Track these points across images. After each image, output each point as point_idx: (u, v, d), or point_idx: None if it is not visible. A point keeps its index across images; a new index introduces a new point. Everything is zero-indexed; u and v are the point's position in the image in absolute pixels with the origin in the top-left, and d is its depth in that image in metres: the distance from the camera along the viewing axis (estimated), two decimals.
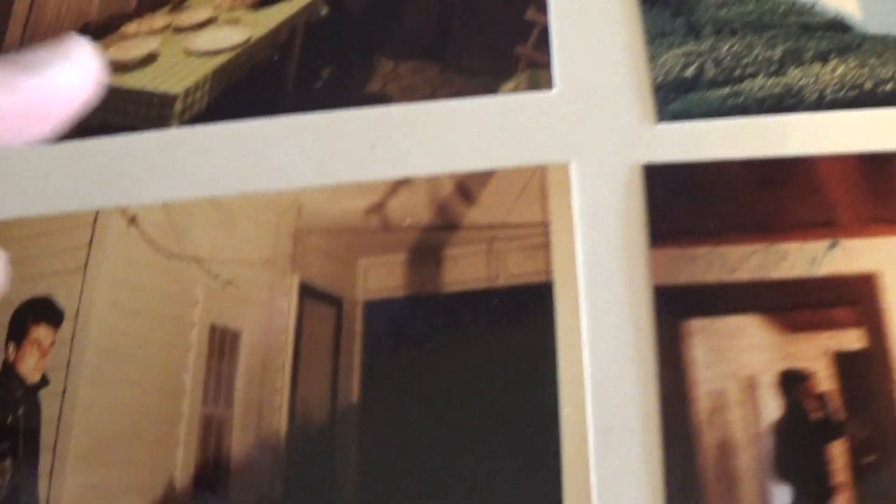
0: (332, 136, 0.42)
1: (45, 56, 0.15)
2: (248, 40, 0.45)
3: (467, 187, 0.41)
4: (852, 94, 0.41)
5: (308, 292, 0.41)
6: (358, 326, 0.40)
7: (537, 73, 0.41)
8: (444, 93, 0.41)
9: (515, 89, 0.41)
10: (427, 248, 0.41)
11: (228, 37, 0.46)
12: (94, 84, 0.15)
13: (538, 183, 0.40)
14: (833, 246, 0.40)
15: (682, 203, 0.40)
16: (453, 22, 0.42)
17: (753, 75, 0.41)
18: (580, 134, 0.41)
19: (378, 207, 0.41)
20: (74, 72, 0.15)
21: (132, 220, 0.44)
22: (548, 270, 0.38)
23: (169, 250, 0.43)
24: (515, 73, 0.41)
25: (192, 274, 0.42)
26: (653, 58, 0.41)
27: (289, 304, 0.41)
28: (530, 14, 0.42)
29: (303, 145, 0.42)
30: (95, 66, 0.15)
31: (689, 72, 0.41)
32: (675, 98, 0.41)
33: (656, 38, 0.41)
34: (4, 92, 0.14)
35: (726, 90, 0.41)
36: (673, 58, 0.41)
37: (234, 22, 0.46)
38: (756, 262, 0.39)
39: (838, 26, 0.42)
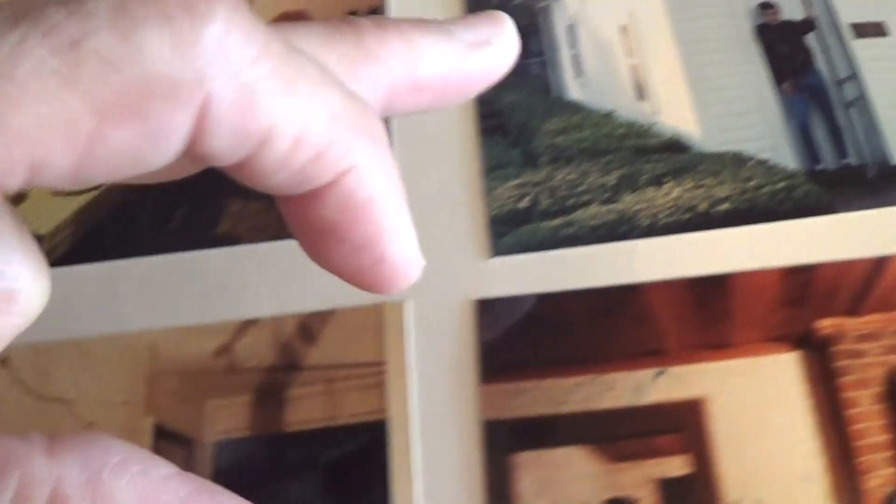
0: (184, 277, 0.45)
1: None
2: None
3: (309, 327, 0.44)
4: (686, 216, 0.43)
5: (161, 434, 0.43)
6: (207, 467, 0.42)
7: None
8: (289, 233, 0.43)
9: None
10: (270, 389, 0.43)
11: None
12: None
13: (375, 322, 0.43)
14: (660, 374, 0.41)
15: (512, 337, 0.42)
16: None
17: (587, 203, 0.43)
18: None
19: (225, 349, 0.44)
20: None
21: (4, 362, 0.47)
22: (382, 409, 0.41)
23: (37, 391, 0.46)
24: None
25: (58, 415, 0.45)
26: (489, 191, 0.44)
27: (143, 446, 0.43)
28: None
29: (157, 286, 0.45)
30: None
31: (524, 203, 0.43)
32: (508, 231, 0.43)
33: (493, 169, 0.44)
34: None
35: (559, 220, 0.43)
36: (508, 190, 0.44)
37: None
38: (583, 393, 0.41)
39: (676, 146, 0.45)
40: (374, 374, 0.41)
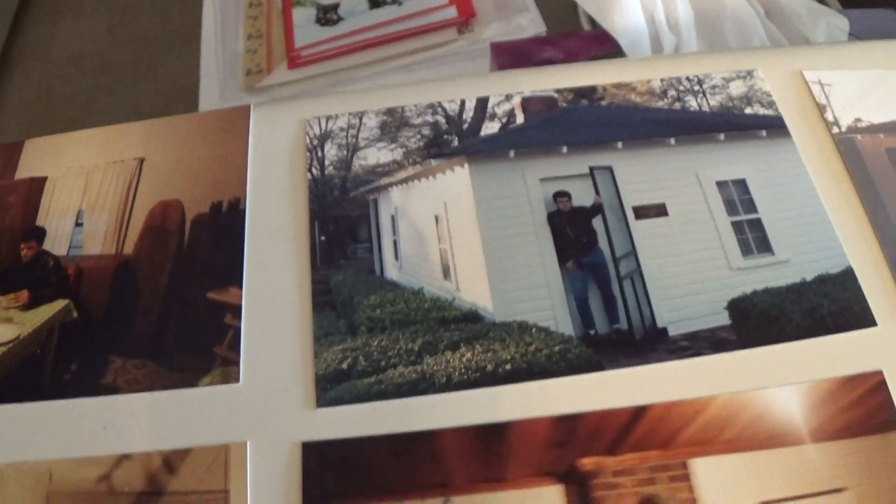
0: (76, 418, 0.77)
1: None
2: (19, 336, 0.82)
3: (171, 461, 0.74)
4: (476, 375, 0.75)
5: None
6: None
7: (228, 369, 0.76)
8: (158, 386, 0.76)
9: (211, 382, 0.76)
10: None
11: (3, 333, 0.83)
12: None
13: (223, 458, 0.74)
14: (446, 502, 0.72)
15: (331, 474, 0.73)
16: (169, 327, 0.78)
17: (395, 365, 0.75)
18: (256, 419, 0.74)
19: (106, 477, 0.74)
20: None
21: None
22: None
23: None
24: (212, 369, 0.76)
25: None
26: (317, 354, 0.76)
27: None
28: (227, 319, 0.78)
29: (55, 425, 0.77)
30: None
31: (345, 364, 0.75)
32: (332, 387, 0.75)
33: (322, 337, 0.77)
34: None
35: (372, 379, 0.75)
36: (333, 353, 0.76)
37: (8, 320, 0.83)
38: None
39: (472, 318, 0.77)
40: (221, 500, 0.71)
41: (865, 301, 0.75)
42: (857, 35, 1.04)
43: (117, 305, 0.76)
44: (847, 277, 0.76)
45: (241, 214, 0.78)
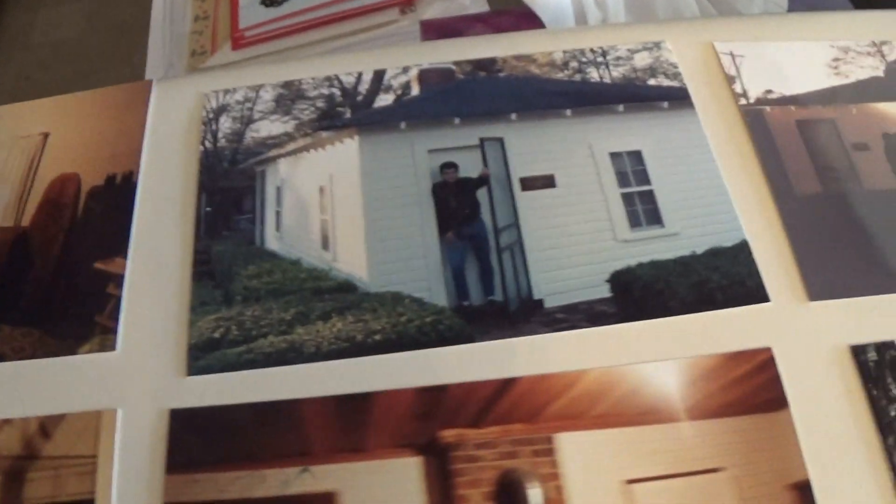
0: None
1: None
2: None
3: (46, 427, 0.74)
4: (345, 345, 0.72)
5: None
6: None
7: (107, 337, 0.75)
8: (41, 353, 0.75)
9: (90, 350, 0.75)
10: (15, 473, 0.72)
11: None
12: None
13: (94, 424, 0.72)
14: (304, 471, 0.69)
15: (196, 441, 0.71)
16: (56, 297, 0.77)
17: (266, 335, 0.73)
18: (129, 387, 0.73)
19: None
20: None
21: None
22: (92, 491, 0.69)
23: None
24: (92, 338, 0.75)
25: None
26: (192, 323, 0.74)
27: None
28: (110, 288, 0.77)
29: None
30: None
31: (217, 334, 0.73)
32: (203, 356, 0.73)
33: (198, 306, 0.75)
34: None
35: (243, 348, 0.73)
36: (207, 322, 0.74)
37: None
38: (241, 484, 0.69)
39: (347, 288, 0.74)
40: (90, 464, 0.70)
41: (759, 276, 0.71)
42: (799, 10, 0.99)
43: (10, 276, 0.75)
44: (741, 251, 0.72)
45: (134, 186, 0.77)
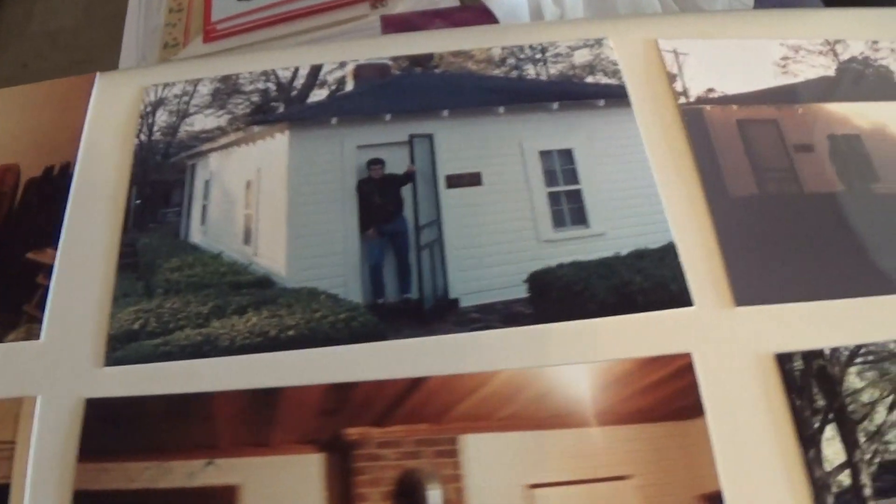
0: None
1: None
2: None
3: None
4: (258, 340, 0.71)
5: None
6: None
7: (33, 326, 0.74)
8: None
9: (15, 339, 0.74)
10: None
11: None
12: None
13: (15, 411, 0.72)
14: (210, 464, 0.68)
15: (109, 430, 0.70)
16: None
17: (183, 327, 0.72)
18: (49, 375, 0.72)
19: None
20: None
21: None
22: (8, 476, 0.69)
23: None
24: (18, 326, 0.75)
25: None
26: (114, 314, 0.74)
27: None
28: (40, 278, 0.77)
29: None
30: None
31: (136, 325, 0.72)
32: (121, 347, 0.72)
33: (120, 297, 0.74)
34: None
35: (160, 340, 0.72)
36: (127, 314, 0.73)
37: None
38: (149, 475, 0.68)
39: (264, 283, 0.73)
40: (8, 450, 0.70)
41: (683, 279, 0.68)
42: (765, 7, 0.95)
43: None
44: (667, 253, 0.69)
45: (70, 178, 0.76)
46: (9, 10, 1.57)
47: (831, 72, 0.82)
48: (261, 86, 0.79)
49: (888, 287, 0.71)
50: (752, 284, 0.70)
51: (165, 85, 0.81)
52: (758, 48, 0.83)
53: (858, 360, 0.69)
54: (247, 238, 0.72)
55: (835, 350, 0.69)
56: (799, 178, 0.75)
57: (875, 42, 0.85)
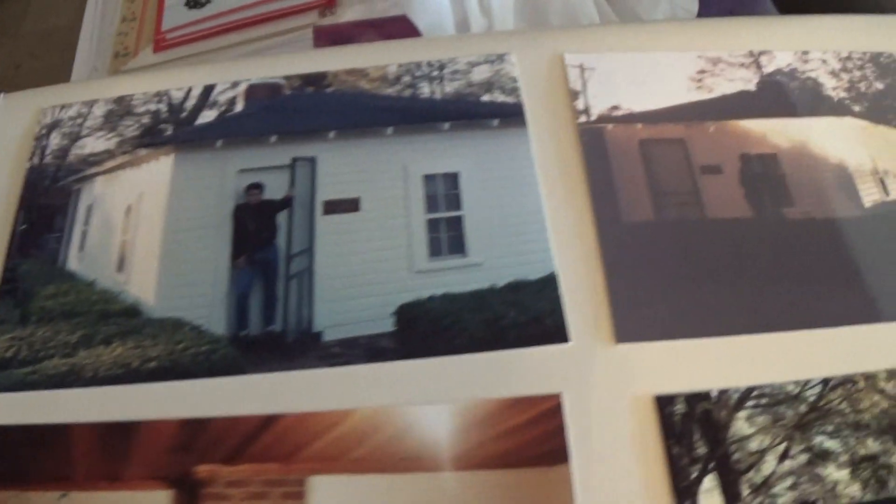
0: None
1: None
2: None
3: None
4: (120, 371, 0.68)
5: None
6: None
7: None
8: None
9: None
10: None
11: None
12: None
13: None
14: (64, 496, 0.66)
15: None
16: None
17: (52, 356, 0.70)
18: None
19: None
20: None
21: None
22: None
23: None
24: None
25: None
26: None
27: None
28: None
29: None
30: None
31: (9, 353, 0.71)
32: None
33: None
34: None
35: (29, 368, 0.70)
36: (2, 342, 0.72)
37: None
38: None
39: (132, 312, 0.70)
40: None
41: (561, 313, 0.64)
42: (715, 16, 0.88)
43: None
44: (547, 285, 0.64)
45: None
46: (3, 9, 1.58)
47: (752, 86, 0.76)
48: (152, 107, 0.77)
49: (790, 322, 0.65)
50: (636, 319, 0.65)
51: (62, 106, 0.79)
52: (674, 61, 0.77)
53: (750, 403, 0.64)
54: (120, 265, 0.70)
55: (723, 392, 0.63)
56: (702, 203, 0.70)
57: (805, 52, 0.78)
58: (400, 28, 0.93)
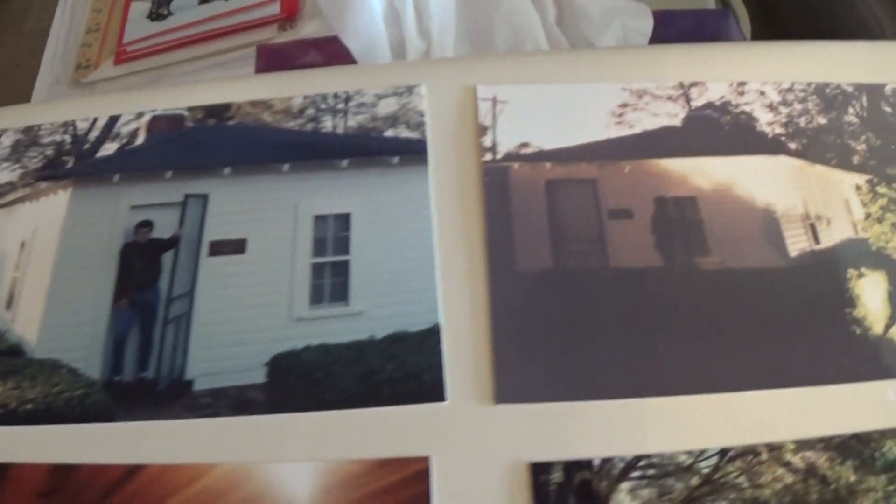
0: None
1: None
2: None
3: None
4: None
5: None
6: None
7: None
8: None
9: None
10: None
11: None
12: None
13: None
14: None
15: None
16: None
17: None
18: None
19: None
20: None
21: None
22: None
23: None
24: None
25: None
26: None
27: None
28: None
29: None
30: None
31: None
32: None
33: None
34: None
35: None
36: None
37: None
38: None
39: (16, 352, 0.69)
40: None
41: (440, 369, 0.60)
42: (671, 39, 0.83)
43: None
44: (428, 339, 0.61)
45: None
46: (6, 7, 1.59)
47: (677, 121, 0.70)
48: (58, 138, 0.76)
49: (689, 385, 0.60)
50: (519, 378, 0.61)
51: None
52: (596, 94, 0.72)
53: (635, 474, 0.59)
54: (9, 303, 0.69)
55: (607, 461, 0.59)
56: (607, 250, 0.65)
57: (742, 84, 0.72)
58: (340, 46, 0.90)
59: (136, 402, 0.63)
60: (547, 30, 0.86)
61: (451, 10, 0.87)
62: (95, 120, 0.76)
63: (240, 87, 0.74)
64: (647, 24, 0.81)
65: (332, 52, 0.91)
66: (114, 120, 0.76)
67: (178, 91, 0.76)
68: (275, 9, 1.09)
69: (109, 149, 0.74)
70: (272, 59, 0.92)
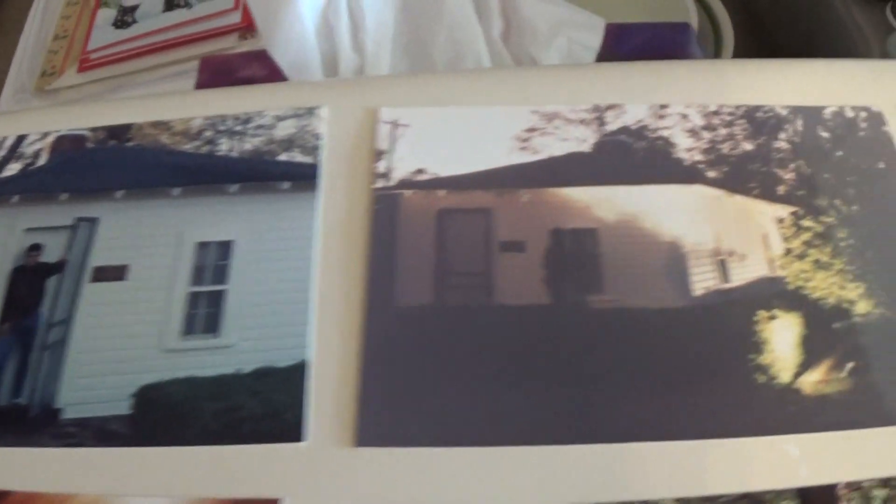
0: None
1: None
2: None
3: None
4: None
5: None
6: None
7: None
8: None
9: None
10: None
11: None
12: None
13: None
14: None
15: None
16: None
17: None
18: None
19: None
20: None
21: None
22: None
23: None
24: None
25: None
26: None
27: None
28: None
29: None
30: None
31: None
32: None
33: None
34: None
35: None
36: None
37: None
38: None
39: None
40: None
41: (300, 408, 0.58)
42: (623, 54, 0.79)
43: None
44: (295, 375, 0.59)
45: None
46: (10, 6, 1.61)
47: (586, 146, 0.66)
48: None
49: (567, 434, 0.57)
50: (385, 420, 0.58)
51: None
52: (503, 117, 0.68)
53: None
54: None
55: None
56: (493, 286, 0.61)
57: (664, 106, 0.68)
58: None
59: (7, 429, 0.62)
60: (490, 45, 0.83)
61: (390, 23, 0.84)
62: (4, 139, 0.76)
63: (143, 107, 0.73)
64: (595, 38, 0.77)
65: (273, 65, 0.89)
66: (20, 139, 0.76)
67: (83, 110, 0.76)
68: (236, 17, 1.08)
69: (13, 169, 0.74)
70: (214, 73, 0.91)
